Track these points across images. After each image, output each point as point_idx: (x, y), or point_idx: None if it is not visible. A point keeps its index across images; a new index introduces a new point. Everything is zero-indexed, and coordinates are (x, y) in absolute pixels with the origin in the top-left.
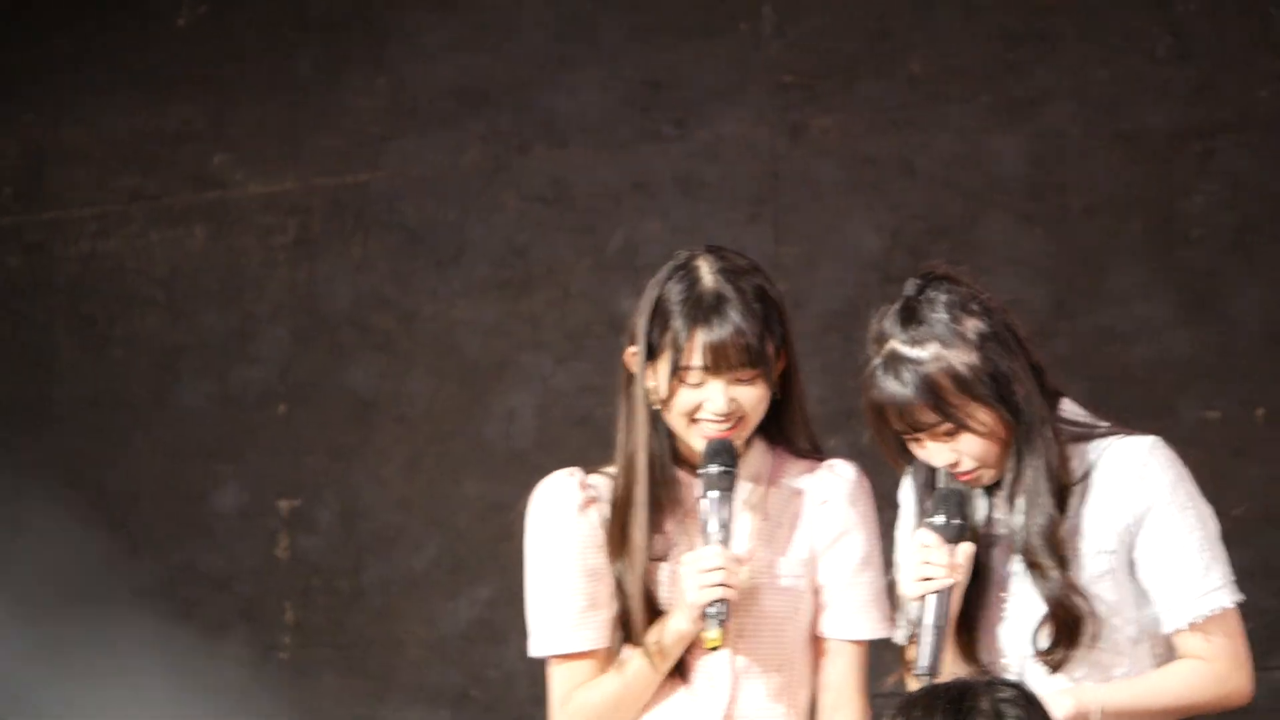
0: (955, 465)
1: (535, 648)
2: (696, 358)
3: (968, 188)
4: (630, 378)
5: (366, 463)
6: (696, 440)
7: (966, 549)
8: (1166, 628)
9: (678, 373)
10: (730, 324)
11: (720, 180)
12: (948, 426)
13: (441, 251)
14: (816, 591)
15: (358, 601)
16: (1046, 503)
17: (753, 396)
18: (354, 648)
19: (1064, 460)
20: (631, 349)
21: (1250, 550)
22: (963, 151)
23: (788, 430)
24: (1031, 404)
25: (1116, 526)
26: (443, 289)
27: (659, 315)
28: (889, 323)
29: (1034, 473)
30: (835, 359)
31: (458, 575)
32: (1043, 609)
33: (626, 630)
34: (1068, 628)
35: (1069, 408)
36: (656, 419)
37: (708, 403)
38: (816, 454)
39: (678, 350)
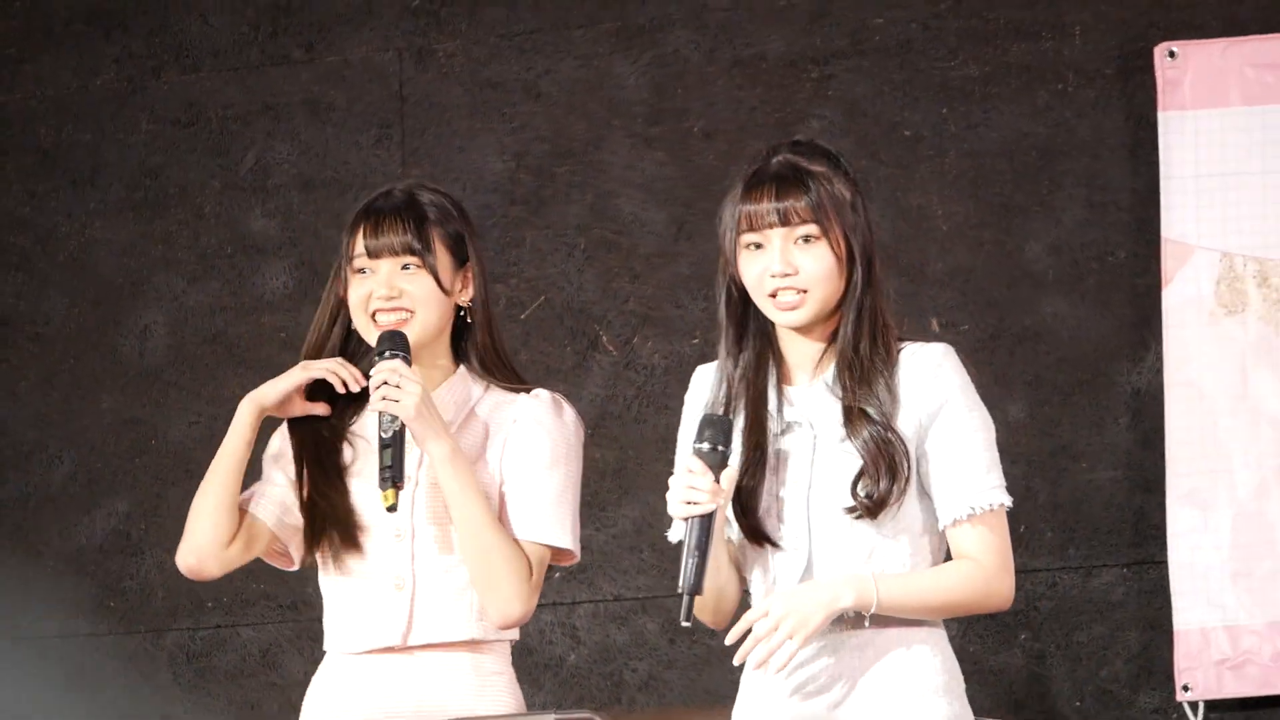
0: (788, 276)
1: None
2: (360, 244)
3: (591, 112)
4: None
5: (3, 379)
6: (374, 336)
7: (730, 473)
8: (944, 519)
9: (351, 262)
10: (394, 210)
11: (348, 103)
12: (811, 230)
13: (77, 172)
14: (502, 498)
15: None
16: (871, 365)
17: (419, 288)
18: None
19: (889, 346)
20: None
21: None
22: (586, 76)
23: (486, 361)
24: (870, 264)
25: (911, 420)
26: (78, 209)
27: (347, 226)
28: (781, 147)
29: (856, 328)
30: None
31: (93, 489)
32: (853, 469)
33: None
34: (891, 465)
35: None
36: (343, 329)
37: (375, 288)
38: (523, 386)
39: (350, 243)
